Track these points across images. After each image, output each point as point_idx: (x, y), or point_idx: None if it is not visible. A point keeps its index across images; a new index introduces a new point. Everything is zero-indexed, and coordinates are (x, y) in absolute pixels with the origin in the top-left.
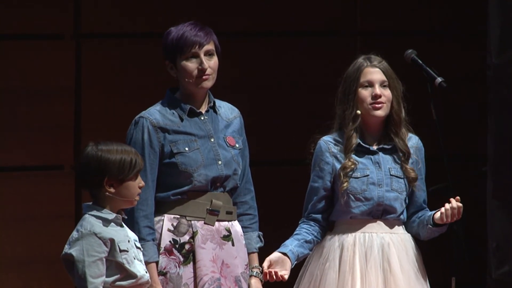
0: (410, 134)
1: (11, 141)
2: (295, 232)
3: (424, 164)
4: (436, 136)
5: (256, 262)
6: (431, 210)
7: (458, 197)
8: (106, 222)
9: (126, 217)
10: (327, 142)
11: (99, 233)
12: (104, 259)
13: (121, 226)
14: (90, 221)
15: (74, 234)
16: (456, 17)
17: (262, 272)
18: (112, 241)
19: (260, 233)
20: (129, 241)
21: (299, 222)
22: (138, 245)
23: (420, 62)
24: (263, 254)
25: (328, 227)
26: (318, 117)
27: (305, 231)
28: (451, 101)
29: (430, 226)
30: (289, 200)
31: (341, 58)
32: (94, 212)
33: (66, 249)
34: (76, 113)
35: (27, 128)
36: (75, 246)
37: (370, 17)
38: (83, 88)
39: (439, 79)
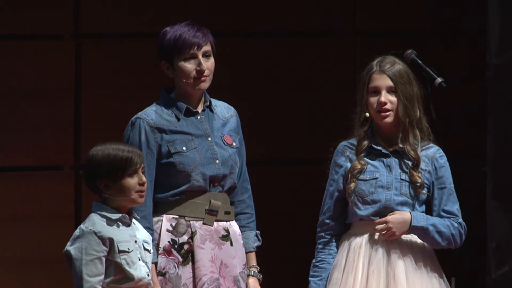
0: (430, 144)
1: (11, 141)
2: (320, 258)
3: (447, 175)
4: (436, 136)
5: (254, 262)
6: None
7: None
8: (110, 221)
9: (138, 217)
10: (344, 146)
11: (99, 232)
12: (103, 259)
13: (128, 226)
14: (94, 220)
15: (77, 231)
16: (455, 17)
17: (260, 271)
18: (111, 240)
19: (258, 232)
20: (135, 242)
21: (318, 232)
22: (148, 247)
23: (420, 62)
24: (260, 253)
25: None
26: (318, 117)
27: (330, 256)
28: (451, 101)
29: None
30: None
31: (340, 58)
32: (100, 211)
33: (68, 246)
34: (76, 113)
35: (27, 128)
36: (75, 244)
37: (370, 17)
38: (83, 88)
39: (439, 79)
